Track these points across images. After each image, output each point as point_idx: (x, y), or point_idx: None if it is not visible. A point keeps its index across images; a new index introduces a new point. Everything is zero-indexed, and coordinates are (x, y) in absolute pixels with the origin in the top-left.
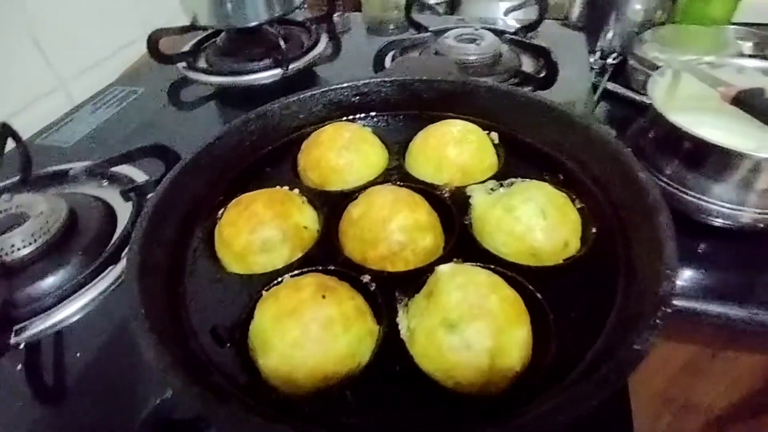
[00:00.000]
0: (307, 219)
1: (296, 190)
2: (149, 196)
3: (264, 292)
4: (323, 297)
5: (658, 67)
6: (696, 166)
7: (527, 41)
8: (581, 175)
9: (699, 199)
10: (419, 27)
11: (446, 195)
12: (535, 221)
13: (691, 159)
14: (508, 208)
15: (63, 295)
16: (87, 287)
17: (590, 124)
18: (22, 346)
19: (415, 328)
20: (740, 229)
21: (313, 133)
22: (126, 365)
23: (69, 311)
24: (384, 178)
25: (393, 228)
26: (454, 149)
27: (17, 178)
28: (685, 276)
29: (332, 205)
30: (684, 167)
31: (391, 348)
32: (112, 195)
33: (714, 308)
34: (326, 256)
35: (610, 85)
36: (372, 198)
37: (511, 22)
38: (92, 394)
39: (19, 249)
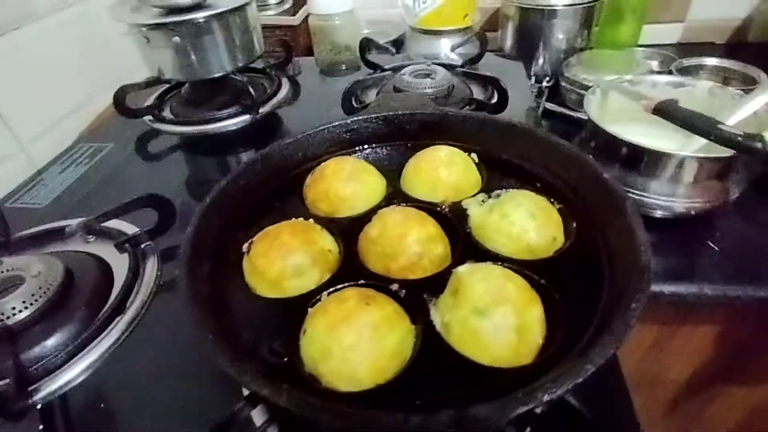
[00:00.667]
0: (329, 243)
1: (311, 220)
2: (143, 245)
3: (309, 309)
4: (367, 304)
5: (586, 87)
6: (633, 167)
7: (477, 72)
8: (554, 181)
9: (640, 195)
10: (375, 67)
11: (446, 210)
12: (527, 223)
13: (629, 162)
14: (502, 214)
15: (72, 352)
16: (96, 341)
17: (553, 138)
18: (39, 406)
19: (449, 321)
20: (676, 217)
21: (316, 168)
22: (154, 411)
23: (81, 367)
24: (387, 202)
25: (410, 241)
26: (444, 170)
27: None
28: None
29: (347, 230)
30: (624, 170)
31: (431, 341)
32: (102, 249)
33: (669, 288)
34: (353, 273)
35: (549, 105)
36: (385, 219)
37: (454, 56)
38: None
39: (20, 311)
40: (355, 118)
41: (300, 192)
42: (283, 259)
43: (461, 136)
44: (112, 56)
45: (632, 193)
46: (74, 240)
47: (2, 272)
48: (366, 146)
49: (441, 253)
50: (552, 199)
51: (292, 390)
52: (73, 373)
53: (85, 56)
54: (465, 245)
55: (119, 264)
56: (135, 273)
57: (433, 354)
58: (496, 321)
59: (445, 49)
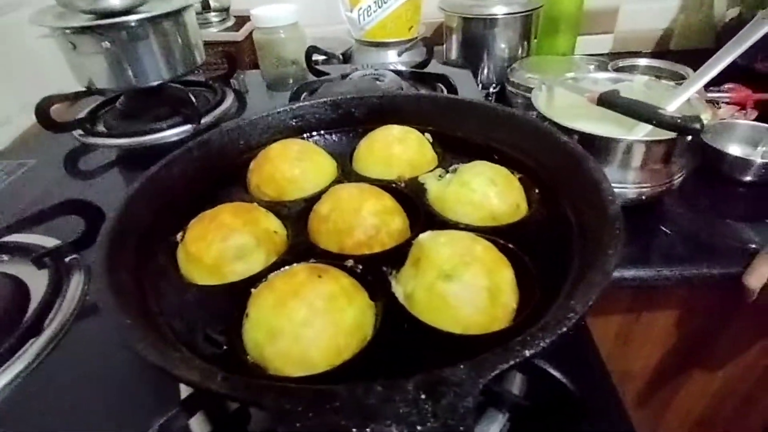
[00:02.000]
0: (274, 224)
1: (255, 204)
2: (67, 259)
3: (252, 290)
4: (319, 276)
5: (531, 89)
6: None
7: (426, 72)
8: (511, 152)
9: None
10: (321, 74)
11: (402, 186)
12: (489, 189)
13: None
14: (462, 183)
15: None
16: (4, 367)
17: (507, 110)
18: None
19: (413, 290)
20: (629, 203)
21: (261, 152)
22: None
23: None
24: (340, 182)
25: (365, 214)
26: (399, 146)
27: None
28: None
29: (296, 213)
30: None
31: (393, 315)
32: (16, 268)
33: (629, 272)
34: (303, 254)
35: None
36: (338, 193)
37: (401, 67)
38: None
39: None
40: (302, 104)
41: (244, 181)
42: (222, 241)
43: (412, 117)
44: (41, 72)
45: None
46: None
47: None
48: (314, 133)
49: (399, 227)
50: (512, 170)
51: (227, 374)
52: None
53: (7, 70)
54: (425, 219)
55: (37, 282)
56: (56, 290)
57: (396, 328)
58: (466, 282)
59: (393, 59)
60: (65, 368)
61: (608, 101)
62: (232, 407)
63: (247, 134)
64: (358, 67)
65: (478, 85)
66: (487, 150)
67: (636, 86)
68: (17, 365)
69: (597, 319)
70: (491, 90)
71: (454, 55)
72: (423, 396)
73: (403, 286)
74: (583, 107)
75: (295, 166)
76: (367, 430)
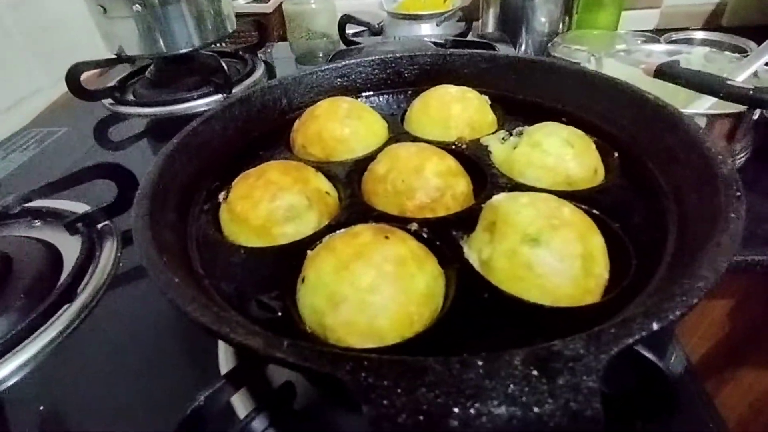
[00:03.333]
0: (326, 186)
1: (302, 163)
2: (100, 225)
3: (309, 252)
4: (386, 238)
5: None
6: None
7: (468, 40)
8: (585, 115)
9: None
10: (353, 44)
11: (464, 147)
12: (564, 150)
13: None
14: (533, 143)
15: (6, 347)
16: (37, 333)
17: (575, 67)
18: None
19: (489, 256)
20: None
21: (306, 111)
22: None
23: (17, 363)
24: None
25: (428, 175)
26: (457, 105)
27: None
28: None
29: (347, 174)
30: None
31: (469, 283)
32: (50, 233)
33: None
34: (360, 216)
35: None
36: (396, 152)
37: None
38: None
39: None
40: (348, 62)
41: (287, 141)
42: (271, 200)
43: (468, 78)
44: (72, 42)
45: None
46: (17, 225)
47: None
48: (360, 94)
49: (464, 191)
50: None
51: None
52: (6, 371)
53: (41, 42)
54: (491, 183)
55: (70, 248)
56: (89, 256)
57: (473, 298)
58: (556, 248)
59: (426, 32)
60: (98, 336)
61: (668, 72)
62: (278, 383)
63: (290, 92)
64: (394, 38)
65: None
66: (553, 112)
67: (694, 59)
68: (50, 331)
69: None
70: None
71: (490, 28)
72: (535, 372)
73: (477, 252)
74: (637, 80)
75: (344, 125)
76: (471, 411)
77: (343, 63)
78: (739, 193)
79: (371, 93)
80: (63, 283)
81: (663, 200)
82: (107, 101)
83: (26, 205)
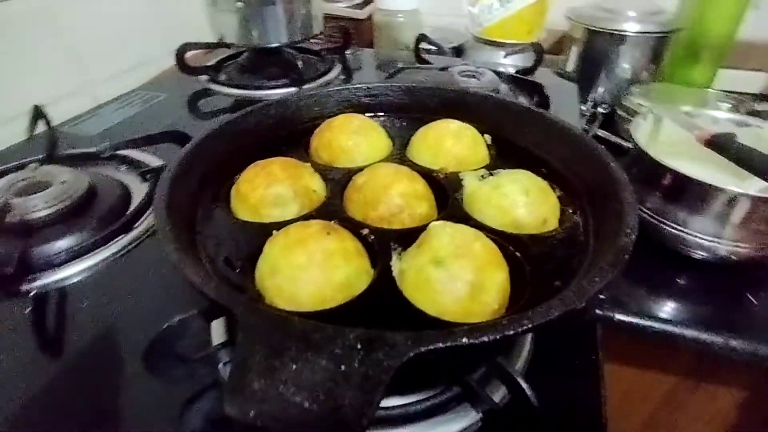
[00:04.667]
0: (316, 185)
1: (308, 164)
2: None
3: (274, 232)
4: (328, 233)
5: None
6: (676, 199)
7: (522, 78)
8: (561, 168)
9: (679, 231)
10: (425, 63)
11: (441, 177)
12: (519, 197)
13: (671, 193)
14: (495, 186)
15: (74, 255)
16: (97, 250)
17: (571, 127)
18: (32, 294)
19: (407, 268)
20: (717, 260)
21: (326, 121)
22: (128, 316)
23: (78, 269)
24: (387, 161)
25: (393, 193)
26: (450, 140)
27: (43, 155)
28: (665, 305)
29: (339, 178)
30: (665, 200)
31: (382, 284)
32: (129, 178)
33: (690, 333)
34: (330, 214)
35: (600, 132)
36: (376, 170)
37: (510, 69)
38: (95, 334)
39: (39, 210)
40: (377, 84)
41: (306, 143)
42: (266, 187)
43: (479, 117)
44: (186, 20)
45: (670, 227)
46: (106, 166)
47: (35, 177)
48: (383, 114)
49: (423, 213)
50: (554, 185)
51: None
52: (70, 272)
53: (162, 17)
54: (452, 211)
55: (139, 192)
56: (150, 201)
57: (380, 295)
58: (451, 272)
59: (505, 60)
60: (141, 262)
61: (719, 144)
62: None
63: (323, 103)
64: (467, 62)
65: (586, 102)
66: (538, 161)
67: (765, 134)
68: (108, 250)
69: (647, 372)
70: (599, 110)
71: (570, 67)
72: (359, 346)
73: (402, 263)
74: (691, 147)
75: (350, 138)
76: (306, 354)
77: (374, 84)
78: (617, 260)
79: (392, 114)
80: (126, 217)
81: (582, 259)
82: (203, 77)
83: (116, 152)
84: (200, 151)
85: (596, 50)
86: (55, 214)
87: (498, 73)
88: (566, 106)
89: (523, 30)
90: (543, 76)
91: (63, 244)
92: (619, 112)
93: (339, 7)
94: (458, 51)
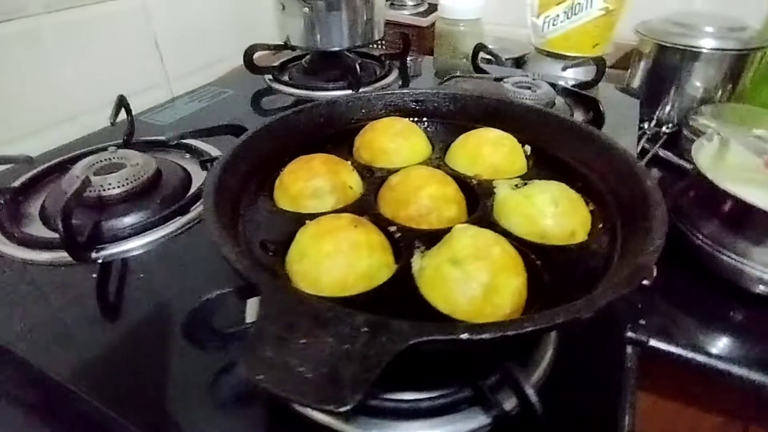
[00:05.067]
0: (353, 181)
1: (348, 162)
2: None
3: (307, 221)
4: (355, 226)
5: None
6: (736, 228)
7: (577, 91)
8: (597, 183)
9: (738, 262)
10: (482, 72)
11: (474, 183)
12: (548, 208)
13: (732, 221)
14: (526, 195)
15: (138, 231)
16: (157, 228)
17: (611, 143)
18: (99, 261)
19: (426, 266)
20: None
21: (371, 122)
22: (177, 289)
23: (140, 243)
24: (425, 165)
25: (423, 195)
26: (488, 148)
27: (122, 140)
28: (716, 339)
29: (376, 177)
30: (724, 229)
31: (402, 278)
32: (191, 165)
33: (740, 371)
34: (363, 210)
35: (662, 152)
36: (410, 172)
37: (571, 83)
38: (147, 302)
39: (113, 188)
40: (424, 90)
41: (351, 142)
42: (306, 180)
43: (521, 127)
44: (259, 23)
45: (728, 257)
46: (172, 153)
47: (113, 158)
48: (428, 119)
49: (451, 216)
50: (588, 199)
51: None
52: (132, 246)
53: (237, 20)
54: (480, 215)
55: (198, 178)
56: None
57: (398, 289)
58: (467, 272)
59: (566, 74)
60: (192, 243)
61: None
62: None
63: (370, 105)
64: (526, 74)
65: (651, 119)
66: (576, 175)
67: None
68: (166, 229)
69: (689, 408)
70: (664, 129)
71: (637, 82)
72: (365, 329)
73: (423, 261)
74: (759, 173)
75: (391, 140)
76: (314, 331)
77: (420, 90)
78: (633, 281)
79: (437, 120)
80: (185, 200)
81: (604, 273)
82: (268, 76)
83: (181, 140)
84: (252, 143)
85: (666, 66)
86: (126, 193)
87: (554, 86)
88: (624, 123)
89: (588, 43)
90: (604, 90)
91: (129, 220)
92: (685, 132)
93: (403, 14)
94: (519, 62)
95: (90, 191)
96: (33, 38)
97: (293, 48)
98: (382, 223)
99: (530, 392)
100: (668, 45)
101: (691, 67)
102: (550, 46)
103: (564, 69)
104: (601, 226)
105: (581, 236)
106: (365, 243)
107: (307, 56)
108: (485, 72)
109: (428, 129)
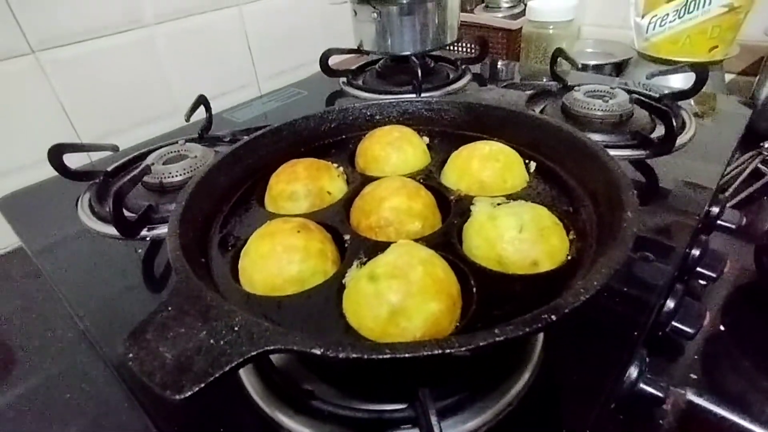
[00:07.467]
0: (333, 187)
1: (341, 168)
2: None
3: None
4: (298, 231)
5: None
6: None
7: (650, 103)
8: (593, 210)
9: None
10: (558, 80)
11: (452, 198)
12: (510, 233)
13: None
14: (492, 216)
15: None
16: None
17: (617, 172)
18: (148, 239)
19: (353, 277)
20: None
21: (372, 130)
22: None
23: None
24: (413, 176)
25: (386, 206)
26: (478, 164)
27: (197, 134)
28: None
29: (358, 185)
30: None
31: (330, 287)
32: None
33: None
34: (328, 216)
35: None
36: (384, 182)
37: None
38: None
39: (173, 176)
40: (439, 99)
41: (355, 148)
42: (286, 183)
43: (530, 140)
44: (341, 30)
45: None
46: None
47: (179, 150)
48: (440, 128)
49: (414, 230)
50: (570, 228)
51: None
52: None
53: (322, 26)
54: (442, 234)
55: None
56: None
57: (318, 297)
58: (378, 289)
59: (675, 85)
60: None
61: None
62: None
63: (384, 113)
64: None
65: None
66: (571, 197)
67: None
68: None
69: None
70: None
71: (764, 92)
72: (237, 328)
73: (355, 272)
74: None
75: (383, 149)
76: (197, 323)
77: (435, 99)
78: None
79: (449, 128)
80: None
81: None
82: (342, 80)
83: (234, 137)
84: (252, 145)
85: None
86: (184, 181)
87: (630, 93)
88: (717, 140)
89: (704, 46)
90: (707, 100)
91: None
92: None
93: (496, 17)
94: (620, 68)
95: (154, 178)
96: (148, 45)
97: (366, 52)
98: (340, 231)
99: (434, 421)
100: None
101: None
102: (654, 50)
103: (649, 77)
104: (570, 258)
105: (545, 267)
106: (302, 248)
107: (381, 60)
108: (561, 78)
109: (440, 137)
